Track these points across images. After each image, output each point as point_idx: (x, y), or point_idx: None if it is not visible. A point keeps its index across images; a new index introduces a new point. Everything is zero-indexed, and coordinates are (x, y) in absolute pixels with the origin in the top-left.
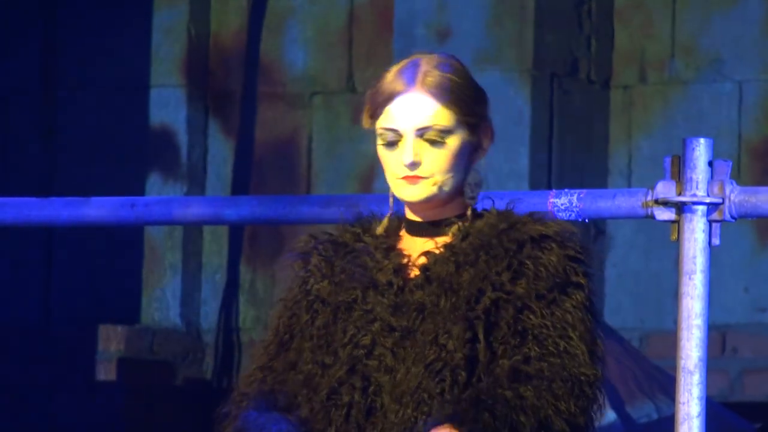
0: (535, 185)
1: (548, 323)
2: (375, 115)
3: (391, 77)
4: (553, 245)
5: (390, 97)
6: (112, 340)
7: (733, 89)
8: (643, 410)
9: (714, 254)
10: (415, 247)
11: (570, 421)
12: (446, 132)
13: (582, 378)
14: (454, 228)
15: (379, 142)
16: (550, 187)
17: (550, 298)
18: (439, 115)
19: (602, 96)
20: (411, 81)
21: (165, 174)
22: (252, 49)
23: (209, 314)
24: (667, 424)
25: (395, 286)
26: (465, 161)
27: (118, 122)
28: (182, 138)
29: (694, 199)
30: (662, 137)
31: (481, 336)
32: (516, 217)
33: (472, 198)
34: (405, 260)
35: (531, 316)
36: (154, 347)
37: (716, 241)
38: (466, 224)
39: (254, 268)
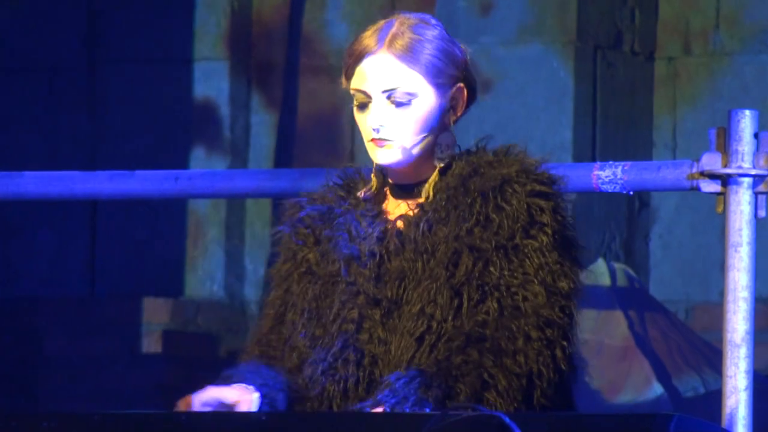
0: (579, 158)
1: (506, 273)
2: (348, 75)
3: (364, 37)
4: (516, 186)
5: (360, 57)
6: (156, 313)
7: None
8: (689, 384)
9: (760, 226)
10: (397, 210)
11: (519, 373)
12: (412, 94)
13: (534, 323)
14: (426, 187)
15: (354, 103)
16: (594, 160)
17: (511, 246)
18: (405, 77)
19: (646, 68)
20: (380, 42)
21: (208, 147)
22: (294, 21)
23: (252, 286)
24: (714, 397)
25: (377, 256)
26: (434, 123)
27: (162, 96)
28: (225, 111)
29: (740, 171)
30: (707, 109)
31: (466, 302)
32: (480, 159)
33: (441, 159)
34: (388, 226)
35: (492, 269)
36: (198, 320)
37: (762, 213)
38: (436, 181)
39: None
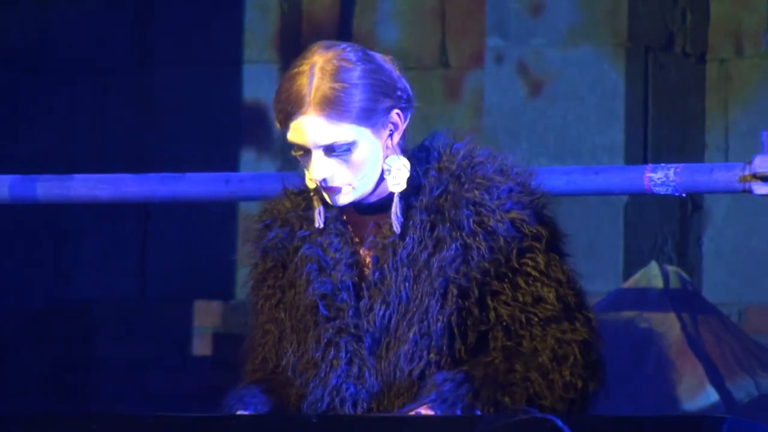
0: (630, 160)
1: (519, 303)
2: (282, 126)
3: (289, 90)
4: (491, 205)
5: (289, 116)
6: (207, 316)
7: None
8: (743, 387)
9: None
10: (364, 225)
11: (563, 394)
12: (349, 144)
13: (570, 344)
14: (391, 215)
15: (295, 151)
16: (646, 162)
17: (510, 268)
18: (338, 132)
19: (698, 70)
20: (306, 100)
21: (258, 150)
22: (345, 24)
23: None
24: None
25: (352, 285)
26: (378, 156)
27: (212, 98)
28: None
29: None
30: (759, 111)
31: (457, 333)
32: (447, 169)
33: (396, 185)
34: (357, 249)
35: (501, 298)
36: (249, 322)
37: None
38: (408, 202)
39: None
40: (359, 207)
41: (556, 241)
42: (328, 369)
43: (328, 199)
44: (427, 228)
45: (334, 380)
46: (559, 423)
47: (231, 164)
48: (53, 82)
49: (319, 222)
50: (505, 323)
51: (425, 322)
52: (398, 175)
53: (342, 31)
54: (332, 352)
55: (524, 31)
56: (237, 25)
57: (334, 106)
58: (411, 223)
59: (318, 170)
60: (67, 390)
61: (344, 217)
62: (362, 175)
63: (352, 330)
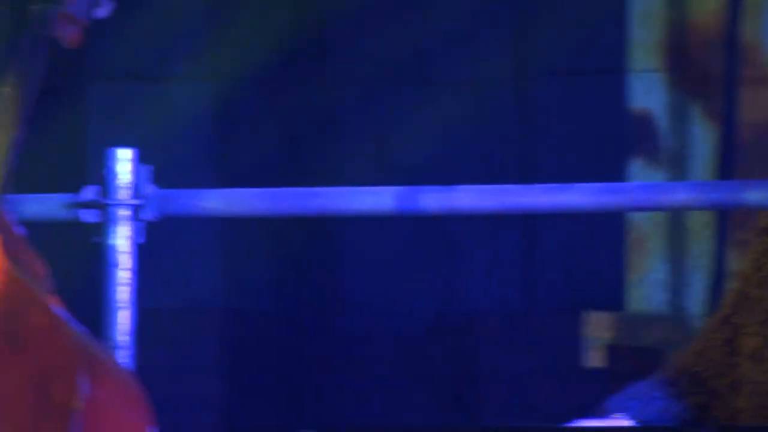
0: None
1: None
2: None
3: None
4: None
5: None
6: (596, 327)
7: None
8: None
9: None
10: None
11: None
12: None
13: None
14: None
15: None
16: None
17: None
18: None
19: None
20: None
21: (645, 159)
22: (732, 31)
23: (696, 300)
24: None
25: None
26: None
27: (596, 107)
28: (663, 122)
29: None
30: None
31: None
32: None
33: None
34: None
35: None
36: (640, 334)
37: None
38: None
39: (741, 252)
40: None
41: None
42: None
43: None
44: None
45: None
46: None
47: (618, 174)
48: (436, 94)
49: None
50: None
51: None
52: None
53: (730, 37)
54: None
55: None
56: (621, 34)
57: None
58: None
59: None
60: (452, 401)
61: None
62: None
63: None
